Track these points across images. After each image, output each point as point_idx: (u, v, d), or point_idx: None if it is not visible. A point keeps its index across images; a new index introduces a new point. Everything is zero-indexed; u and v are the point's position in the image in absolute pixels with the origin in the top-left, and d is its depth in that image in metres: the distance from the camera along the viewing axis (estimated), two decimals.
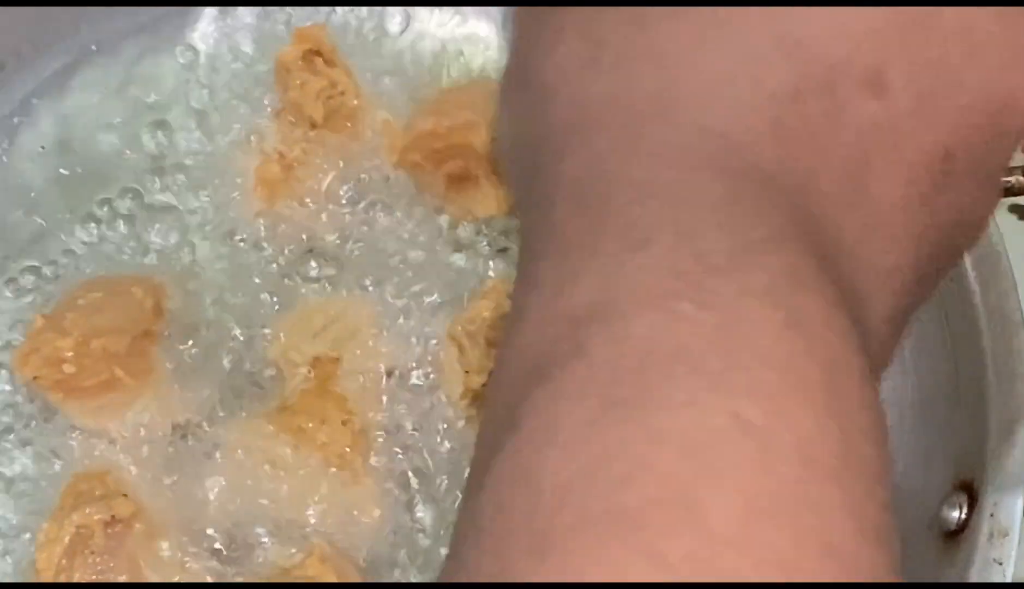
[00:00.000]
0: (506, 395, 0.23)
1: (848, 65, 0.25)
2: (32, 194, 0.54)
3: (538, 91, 0.28)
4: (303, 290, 0.52)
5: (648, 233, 0.23)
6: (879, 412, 0.24)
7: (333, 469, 0.49)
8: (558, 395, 0.22)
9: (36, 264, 0.53)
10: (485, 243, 0.52)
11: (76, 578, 0.48)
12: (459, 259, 0.52)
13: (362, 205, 0.53)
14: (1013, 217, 0.69)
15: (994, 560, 0.45)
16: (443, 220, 0.53)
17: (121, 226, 0.54)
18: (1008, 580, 0.45)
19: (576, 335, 0.23)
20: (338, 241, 0.53)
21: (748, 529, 0.21)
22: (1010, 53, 0.27)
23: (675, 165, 0.25)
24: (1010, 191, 0.49)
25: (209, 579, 0.49)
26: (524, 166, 0.28)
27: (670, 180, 0.24)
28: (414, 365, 0.51)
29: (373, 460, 0.50)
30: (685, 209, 0.24)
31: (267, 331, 0.51)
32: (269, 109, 0.54)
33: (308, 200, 0.53)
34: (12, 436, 0.51)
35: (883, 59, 0.26)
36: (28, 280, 0.53)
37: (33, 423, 0.51)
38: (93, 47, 0.55)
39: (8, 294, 0.53)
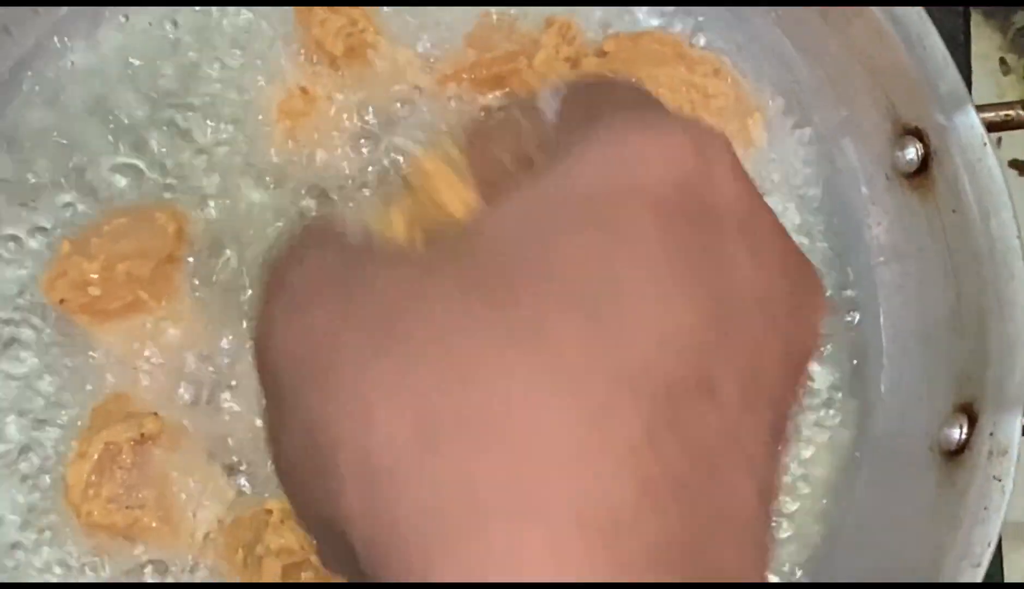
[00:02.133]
0: None
1: (683, 379, 0.24)
2: (54, 129, 0.55)
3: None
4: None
5: None
6: None
7: None
8: None
9: (68, 199, 0.54)
10: None
11: (104, 494, 0.49)
12: None
13: (382, 139, 0.54)
14: (1013, 173, 0.71)
15: (994, 477, 0.47)
16: (460, 152, 0.54)
17: (146, 159, 0.55)
18: (1007, 496, 0.47)
19: None
20: (358, 174, 0.54)
21: None
22: (795, 303, 0.27)
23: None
24: (1008, 125, 0.51)
25: (232, 495, 0.50)
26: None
27: None
28: None
29: None
30: None
31: None
32: (291, 46, 0.55)
33: (330, 134, 0.54)
34: (40, 359, 0.52)
35: (709, 364, 0.24)
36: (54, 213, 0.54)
37: (61, 346, 0.52)
38: None
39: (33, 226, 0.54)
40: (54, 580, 0.50)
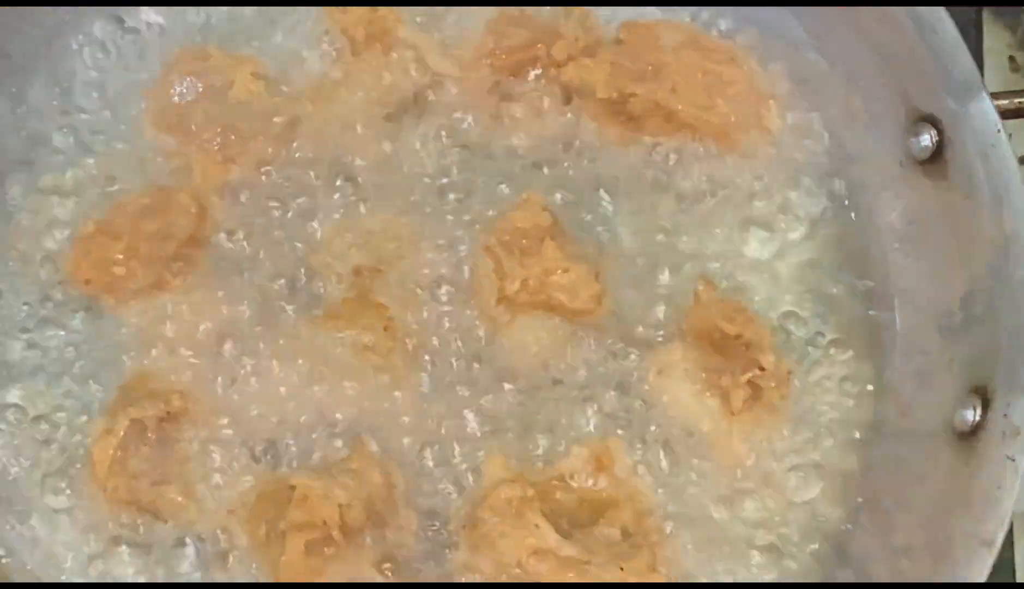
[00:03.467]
0: None
1: None
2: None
3: None
4: (346, 203, 0.54)
5: None
6: None
7: (375, 371, 0.51)
8: None
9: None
10: (521, 158, 0.55)
11: (129, 470, 0.50)
12: (497, 174, 0.55)
13: (401, 123, 0.55)
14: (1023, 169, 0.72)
15: (1007, 457, 0.47)
16: (479, 138, 0.55)
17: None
18: (1020, 477, 0.47)
19: None
20: (380, 156, 0.55)
21: None
22: None
23: None
24: (1021, 112, 0.52)
25: (255, 471, 0.50)
26: None
27: None
28: (452, 274, 0.53)
29: (413, 363, 0.52)
30: None
31: (311, 242, 0.53)
32: (314, 34, 0.56)
33: (351, 118, 0.55)
34: (64, 337, 0.53)
35: None
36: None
37: (85, 325, 0.53)
38: None
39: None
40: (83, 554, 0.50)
